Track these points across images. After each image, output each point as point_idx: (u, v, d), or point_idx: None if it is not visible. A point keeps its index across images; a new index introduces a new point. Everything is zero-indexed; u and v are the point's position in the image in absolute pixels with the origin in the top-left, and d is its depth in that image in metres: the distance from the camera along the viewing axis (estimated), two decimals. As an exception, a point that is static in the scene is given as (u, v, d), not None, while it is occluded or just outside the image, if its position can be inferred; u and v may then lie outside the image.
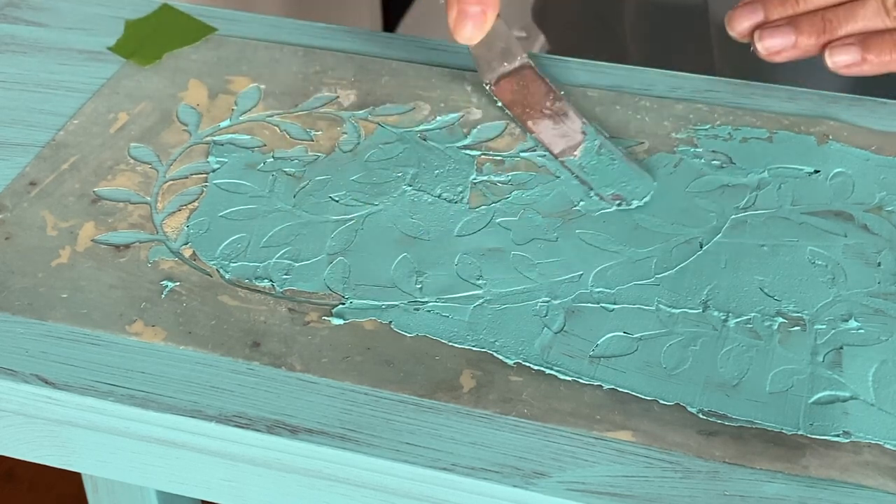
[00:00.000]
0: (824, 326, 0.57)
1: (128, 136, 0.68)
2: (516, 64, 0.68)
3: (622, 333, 0.56)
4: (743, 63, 0.79)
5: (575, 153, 0.64)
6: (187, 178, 0.65)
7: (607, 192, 0.62)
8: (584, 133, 0.65)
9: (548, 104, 0.66)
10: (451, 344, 0.56)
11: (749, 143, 0.66)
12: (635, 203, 0.62)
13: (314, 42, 0.75)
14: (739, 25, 0.68)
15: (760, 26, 0.67)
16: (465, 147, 0.67)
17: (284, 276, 0.59)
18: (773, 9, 0.67)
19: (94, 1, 0.78)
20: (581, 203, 0.62)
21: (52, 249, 0.61)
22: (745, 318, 0.57)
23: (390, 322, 0.57)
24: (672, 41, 0.88)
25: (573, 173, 0.63)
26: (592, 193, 0.62)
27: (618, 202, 0.62)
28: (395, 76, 0.72)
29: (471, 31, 0.65)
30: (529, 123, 0.66)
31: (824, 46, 0.66)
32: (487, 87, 0.69)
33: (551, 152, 0.65)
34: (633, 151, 0.65)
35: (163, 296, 0.59)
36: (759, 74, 0.72)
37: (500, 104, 0.68)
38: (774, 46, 0.66)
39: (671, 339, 0.56)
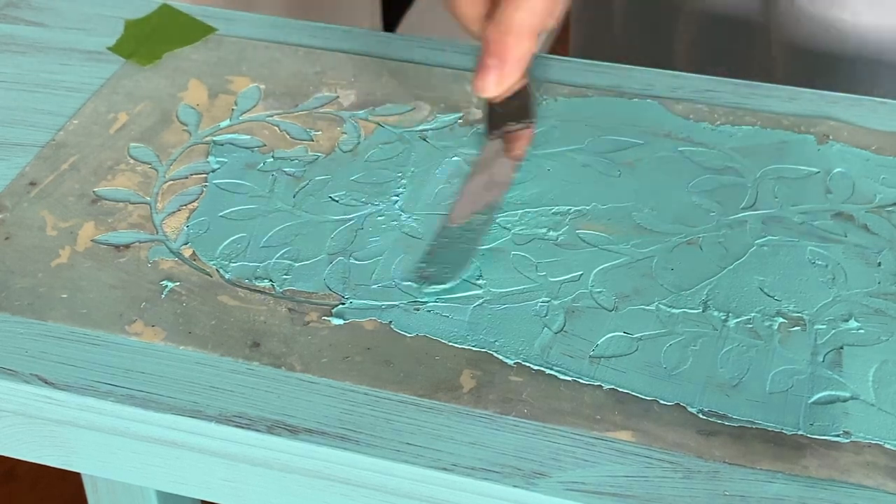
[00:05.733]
0: (824, 326, 0.57)
1: (128, 136, 0.68)
2: (521, 125, 0.66)
3: (622, 333, 0.56)
4: (808, 83, 0.78)
5: (458, 223, 0.61)
6: (187, 178, 0.65)
7: (422, 268, 0.59)
8: (488, 208, 0.62)
9: (503, 169, 0.64)
10: (451, 344, 0.56)
11: (749, 143, 0.66)
12: (426, 289, 0.58)
13: (314, 42, 0.75)
14: None
15: None
16: (465, 146, 0.67)
17: (284, 276, 0.59)
18: None
19: (94, 1, 0.78)
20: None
21: (51, 249, 0.61)
22: (745, 318, 0.57)
23: (390, 322, 0.57)
24: (730, 66, 0.87)
25: (433, 237, 0.61)
26: (415, 264, 0.60)
27: (416, 281, 0.59)
28: (395, 76, 0.72)
29: (489, 86, 0.63)
30: (469, 181, 0.64)
31: None
32: (485, 139, 0.67)
33: (449, 215, 0.62)
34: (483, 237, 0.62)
35: (163, 296, 0.59)
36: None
37: (475, 152, 0.66)
38: None
39: (671, 339, 0.56)
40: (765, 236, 0.61)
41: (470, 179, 0.64)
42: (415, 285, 0.58)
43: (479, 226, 0.61)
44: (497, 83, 0.62)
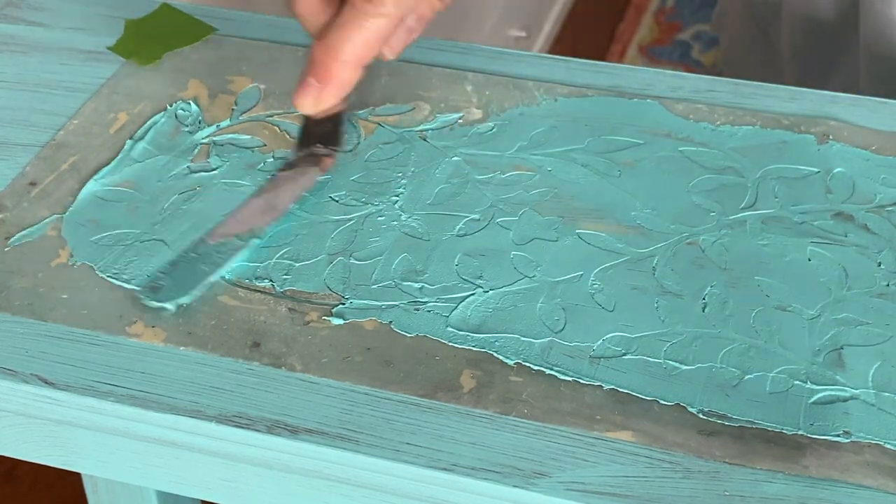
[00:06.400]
0: (824, 326, 0.57)
1: (128, 136, 0.68)
2: (326, 151, 0.66)
3: (622, 333, 0.56)
4: (891, 90, 0.78)
5: (214, 241, 0.60)
6: (187, 177, 0.65)
7: (157, 277, 0.58)
8: (249, 233, 0.61)
9: (284, 196, 0.63)
10: (451, 344, 0.56)
11: (749, 143, 0.66)
12: (148, 302, 0.58)
13: (314, 42, 0.74)
14: None
15: None
16: (465, 147, 0.67)
17: (284, 276, 0.59)
18: None
19: (94, 1, 0.78)
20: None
21: (52, 249, 0.61)
22: (746, 317, 0.57)
23: (390, 322, 0.57)
24: (821, 60, 0.87)
25: (185, 249, 0.60)
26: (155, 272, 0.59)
27: (143, 293, 0.58)
28: (395, 76, 0.72)
29: (306, 103, 0.63)
30: (250, 199, 0.63)
31: None
32: (289, 156, 0.66)
33: (212, 230, 0.61)
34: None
35: (163, 296, 0.59)
36: None
37: (272, 174, 0.65)
38: None
39: (671, 339, 0.56)
40: (765, 236, 0.61)
41: (253, 197, 0.63)
42: (140, 293, 0.58)
43: (230, 250, 0.60)
44: (314, 103, 0.63)
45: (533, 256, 0.60)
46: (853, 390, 0.54)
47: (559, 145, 0.67)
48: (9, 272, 0.60)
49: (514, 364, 0.55)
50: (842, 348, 0.56)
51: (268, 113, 0.69)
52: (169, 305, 0.58)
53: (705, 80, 0.71)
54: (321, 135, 0.66)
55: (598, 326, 0.57)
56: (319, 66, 0.62)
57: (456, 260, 0.60)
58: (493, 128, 0.68)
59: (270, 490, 0.55)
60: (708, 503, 0.50)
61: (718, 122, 0.68)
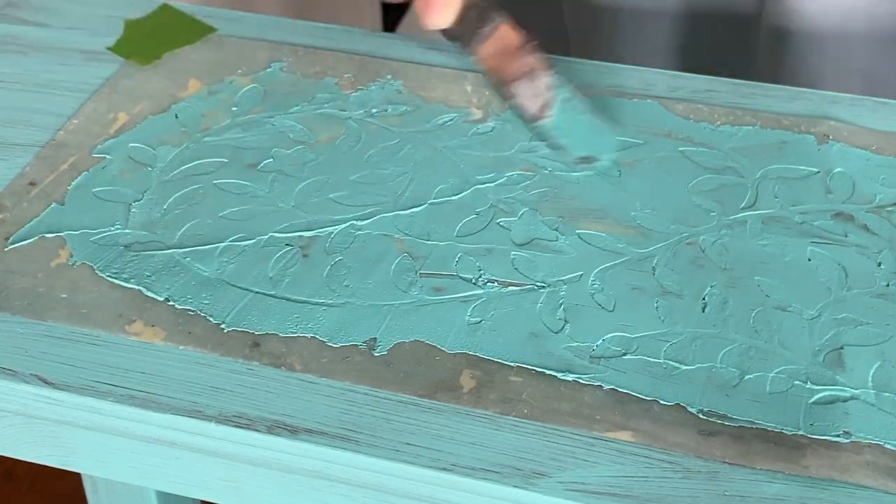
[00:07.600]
0: (824, 327, 0.57)
1: (127, 135, 0.68)
2: (491, 25, 0.66)
3: (622, 333, 0.56)
4: (790, 76, 0.78)
5: (547, 114, 0.64)
6: (187, 177, 0.65)
7: (578, 154, 0.63)
8: (552, 87, 0.65)
9: (522, 60, 0.66)
10: (450, 344, 0.56)
11: (749, 143, 0.66)
12: (604, 160, 0.63)
13: (314, 42, 0.75)
14: None
15: None
16: (465, 147, 0.67)
17: (284, 277, 0.59)
18: None
19: (94, 1, 0.78)
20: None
21: (51, 249, 0.61)
22: (746, 318, 0.57)
23: (390, 322, 0.57)
24: (719, 49, 0.87)
25: (546, 141, 0.64)
26: (567, 159, 0.64)
27: (587, 163, 0.62)
28: (396, 76, 0.72)
29: (436, 17, 0.64)
30: (508, 88, 0.66)
31: None
32: (472, 61, 0.67)
33: (524, 118, 0.65)
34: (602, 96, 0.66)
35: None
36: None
37: (482, 73, 0.67)
38: None
39: (671, 339, 0.56)
40: (765, 236, 0.61)
41: (515, 88, 0.66)
42: (588, 170, 0.63)
43: (573, 100, 0.64)
44: (446, 10, 0.64)
45: (533, 256, 0.60)
46: (853, 390, 0.54)
47: (559, 145, 0.67)
48: (9, 272, 0.60)
49: (514, 364, 0.55)
50: (842, 348, 0.56)
51: (268, 113, 0.69)
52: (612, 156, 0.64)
53: (705, 81, 0.71)
54: (474, 22, 0.66)
55: (598, 326, 0.57)
56: None
57: (456, 260, 0.60)
58: (493, 128, 0.68)
59: (270, 490, 0.55)
60: (708, 503, 0.50)
61: (718, 123, 0.68)
